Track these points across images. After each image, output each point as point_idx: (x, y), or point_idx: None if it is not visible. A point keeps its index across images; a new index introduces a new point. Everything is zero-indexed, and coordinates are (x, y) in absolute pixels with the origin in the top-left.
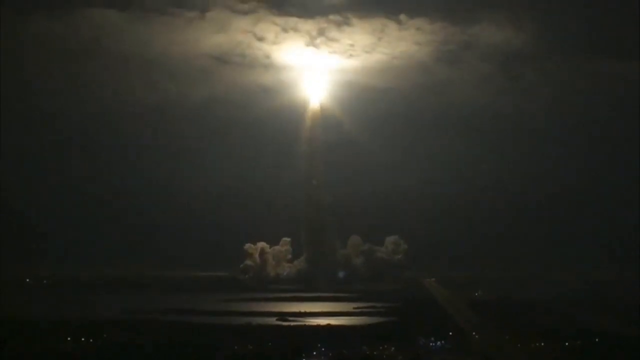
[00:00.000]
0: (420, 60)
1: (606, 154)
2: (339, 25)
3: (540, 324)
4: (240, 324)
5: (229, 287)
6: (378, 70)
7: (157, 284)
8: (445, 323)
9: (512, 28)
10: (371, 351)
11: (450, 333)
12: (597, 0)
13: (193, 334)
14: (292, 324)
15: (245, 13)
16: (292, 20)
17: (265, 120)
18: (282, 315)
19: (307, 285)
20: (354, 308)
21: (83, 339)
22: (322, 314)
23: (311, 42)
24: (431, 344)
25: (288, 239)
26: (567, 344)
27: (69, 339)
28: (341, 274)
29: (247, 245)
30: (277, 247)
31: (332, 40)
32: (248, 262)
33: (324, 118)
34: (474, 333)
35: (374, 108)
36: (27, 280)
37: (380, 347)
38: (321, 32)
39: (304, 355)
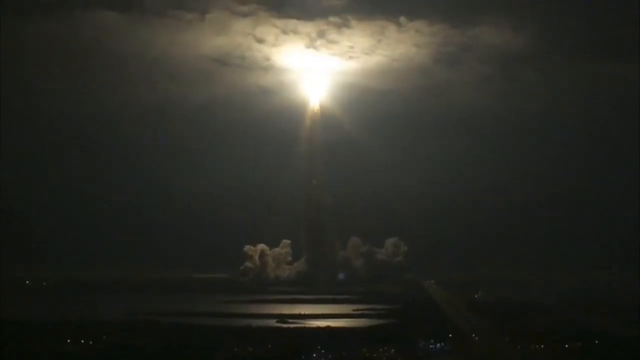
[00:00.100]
0: (420, 62)
1: (606, 155)
2: (338, 27)
3: (539, 326)
4: (239, 326)
5: (228, 288)
6: (378, 72)
7: (157, 285)
8: (445, 325)
9: (511, 30)
10: (371, 353)
11: (450, 335)
12: (596, 1)
13: (193, 336)
14: (291, 326)
15: (245, 15)
16: (292, 23)
17: (265, 122)
18: (282, 317)
19: (306, 287)
20: (354, 310)
21: (83, 341)
22: (322, 316)
23: (311, 44)
24: (431, 346)
25: (288, 241)
26: (566, 345)
27: (68, 340)
28: (341, 276)
29: (247, 247)
30: (277, 249)
31: (332, 42)
32: (248, 264)
33: (324, 119)
34: (473, 335)
35: (373, 110)
36: (27, 282)
37: (380, 349)
38: (321, 34)
39: (303, 357)
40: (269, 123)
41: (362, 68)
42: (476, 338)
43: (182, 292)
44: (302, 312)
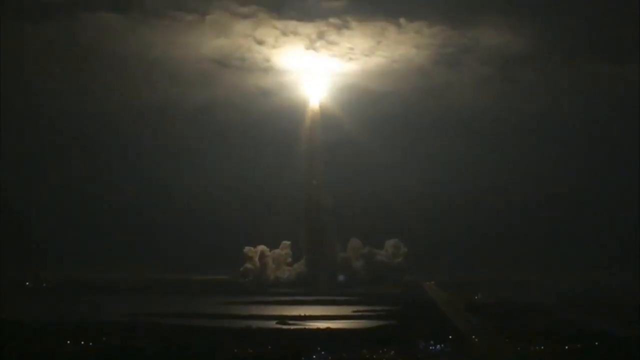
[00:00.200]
0: (420, 63)
1: (606, 156)
2: (338, 28)
3: (540, 326)
4: (240, 327)
5: (228, 290)
6: (378, 73)
7: (157, 286)
8: (445, 326)
9: (511, 31)
10: (371, 355)
11: (450, 336)
12: (596, 3)
13: (193, 337)
14: (291, 327)
15: (245, 17)
16: (292, 24)
17: (265, 123)
18: (282, 319)
19: (307, 289)
20: (354, 311)
21: (83, 342)
22: (322, 317)
23: (311, 46)
24: (431, 347)
25: (288, 242)
26: (566, 346)
27: (68, 341)
28: (341, 277)
29: (247, 249)
30: (277, 251)
31: (332, 43)
32: (248, 265)
33: (324, 120)
34: (473, 336)
35: (373, 111)
36: (27, 283)
37: (380, 351)
38: (321, 36)
39: (303, 358)
40: (269, 124)
41: (362, 69)
42: (476, 339)
43: (182, 293)
44: (302, 314)
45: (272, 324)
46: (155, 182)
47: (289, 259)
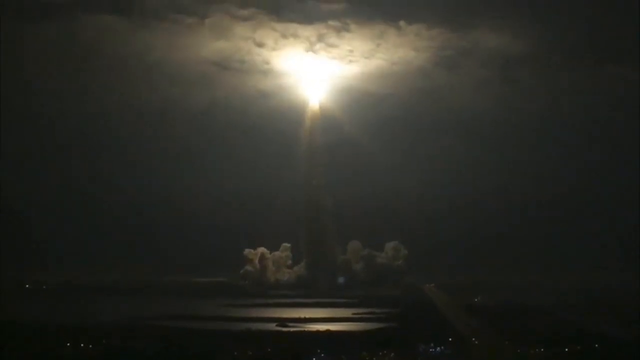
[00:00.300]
0: (419, 65)
1: (605, 158)
2: (338, 31)
3: (540, 329)
4: (239, 330)
5: (228, 292)
6: (377, 75)
7: (157, 288)
8: (445, 328)
9: (510, 33)
10: (371, 357)
11: (450, 338)
12: (596, 4)
13: (192, 339)
14: (291, 329)
15: (244, 19)
16: (292, 26)
17: (266, 126)
18: (282, 321)
19: (307, 291)
20: (354, 314)
21: (82, 344)
22: (322, 319)
23: (310, 48)
24: (431, 349)
25: (288, 245)
26: (567, 349)
27: (68, 343)
28: (341, 280)
29: (247, 251)
30: (277, 253)
31: (332, 46)
32: (248, 267)
33: (324, 123)
34: (473, 338)
35: (373, 113)
36: (27, 285)
37: (380, 353)
38: (320, 38)
39: None
40: (269, 126)
41: (361, 72)
42: (476, 341)
43: (182, 295)
44: (302, 316)
45: (272, 326)
46: (155, 183)
47: (289, 262)
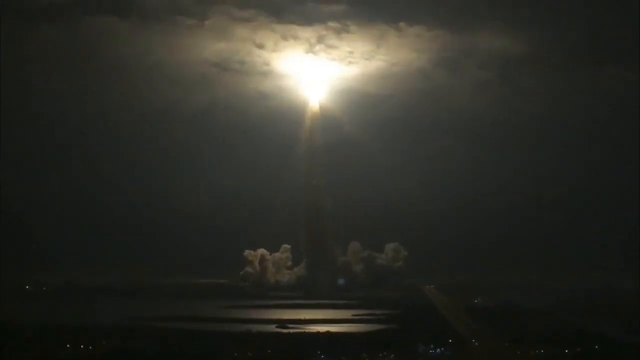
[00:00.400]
0: (420, 67)
1: (605, 160)
2: (338, 32)
3: (540, 330)
4: (239, 331)
5: (228, 293)
6: (377, 77)
7: (157, 290)
8: (445, 330)
9: (510, 35)
10: (371, 358)
11: (450, 340)
12: (595, 5)
13: (192, 341)
14: (291, 331)
15: (244, 20)
16: (292, 28)
17: (265, 127)
18: (282, 323)
19: (307, 292)
20: (354, 315)
21: (82, 345)
22: (322, 321)
23: (310, 50)
24: (431, 351)
25: (288, 246)
26: (567, 350)
27: (68, 345)
28: (341, 281)
29: (247, 252)
30: (277, 254)
31: (332, 47)
32: (248, 269)
33: (324, 124)
34: (473, 340)
35: (373, 114)
36: (27, 287)
37: (380, 355)
38: (320, 40)
39: None
40: (268, 128)
41: (361, 73)
42: (476, 343)
43: (182, 296)
44: (302, 317)
45: (272, 328)
46: (155, 184)
47: (289, 263)
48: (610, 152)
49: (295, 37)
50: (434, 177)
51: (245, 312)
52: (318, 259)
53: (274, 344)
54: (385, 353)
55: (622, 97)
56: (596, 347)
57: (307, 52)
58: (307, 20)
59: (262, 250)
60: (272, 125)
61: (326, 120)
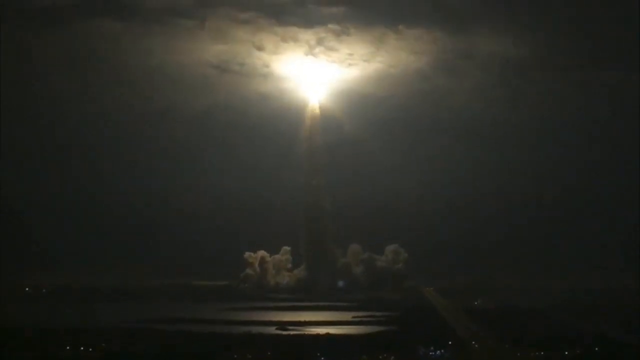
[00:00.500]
0: (419, 69)
1: (604, 161)
2: (338, 34)
3: (540, 332)
4: (239, 333)
5: (228, 296)
6: (377, 78)
7: (157, 292)
8: (445, 332)
9: (509, 37)
10: None
11: (450, 342)
12: (595, 9)
13: (192, 343)
14: (291, 333)
15: (244, 22)
16: (292, 30)
17: (265, 129)
18: (282, 325)
19: (307, 294)
20: (354, 317)
21: (82, 348)
22: (322, 323)
23: (310, 52)
24: (431, 353)
25: (288, 248)
26: (567, 352)
27: (68, 347)
28: (341, 283)
29: (247, 254)
30: (277, 256)
31: (331, 49)
32: (248, 270)
33: (323, 126)
34: (473, 342)
35: (373, 116)
36: (27, 289)
37: (380, 357)
38: (320, 42)
39: None
40: (268, 129)
41: (361, 75)
42: (476, 345)
43: (182, 298)
44: (302, 319)
45: (272, 330)
46: (156, 186)
47: (289, 265)
48: (609, 155)
49: (295, 39)
50: (434, 178)
51: (245, 314)
52: (318, 261)
53: (274, 346)
54: (385, 355)
55: (621, 99)
56: (596, 348)
57: (307, 54)
58: (307, 22)
59: (262, 252)
60: (272, 127)
61: (326, 122)
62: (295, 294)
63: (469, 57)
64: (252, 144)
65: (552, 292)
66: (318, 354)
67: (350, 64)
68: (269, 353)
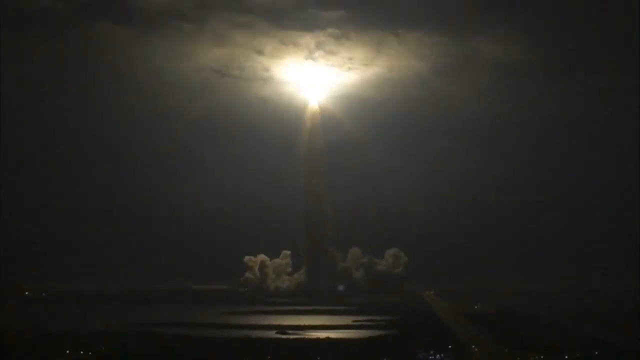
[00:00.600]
0: (419, 72)
1: (605, 166)
2: (337, 38)
3: (540, 337)
4: (239, 337)
5: (229, 299)
6: (376, 82)
7: (157, 296)
8: (445, 336)
9: (509, 41)
10: None
11: (450, 346)
12: (594, 12)
13: (192, 347)
14: (291, 337)
15: (244, 27)
16: (291, 34)
17: (265, 133)
18: (282, 329)
19: (306, 298)
20: (354, 321)
21: (82, 351)
22: (322, 327)
23: (310, 56)
24: (430, 357)
25: (288, 252)
26: (566, 356)
27: (67, 350)
28: (341, 287)
29: (247, 258)
30: (277, 260)
31: (331, 53)
32: (248, 274)
33: (323, 130)
34: (473, 346)
35: (372, 120)
36: (27, 293)
37: None
38: (320, 46)
39: None
40: (268, 133)
41: (360, 79)
42: (476, 349)
43: (182, 302)
44: (302, 323)
45: (272, 334)
46: (156, 191)
47: (289, 269)
48: (608, 157)
49: (295, 43)
50: (433, 182)
51: (245, 318)
52: (318, 264)
53: (274, 349)
54: (385, 359)
55: (622, 102)
56: (596, 352)
57: (306, 58)
58: (307, 26)
59: (262, 256)
60: (272, 131)
61: (326, 126)
62: (295, 297)
63: (468, 61)
64: (252, 148)
65: (552, 296)
66: (318, 358)
67: (349, 68)
68: (268, 357)
